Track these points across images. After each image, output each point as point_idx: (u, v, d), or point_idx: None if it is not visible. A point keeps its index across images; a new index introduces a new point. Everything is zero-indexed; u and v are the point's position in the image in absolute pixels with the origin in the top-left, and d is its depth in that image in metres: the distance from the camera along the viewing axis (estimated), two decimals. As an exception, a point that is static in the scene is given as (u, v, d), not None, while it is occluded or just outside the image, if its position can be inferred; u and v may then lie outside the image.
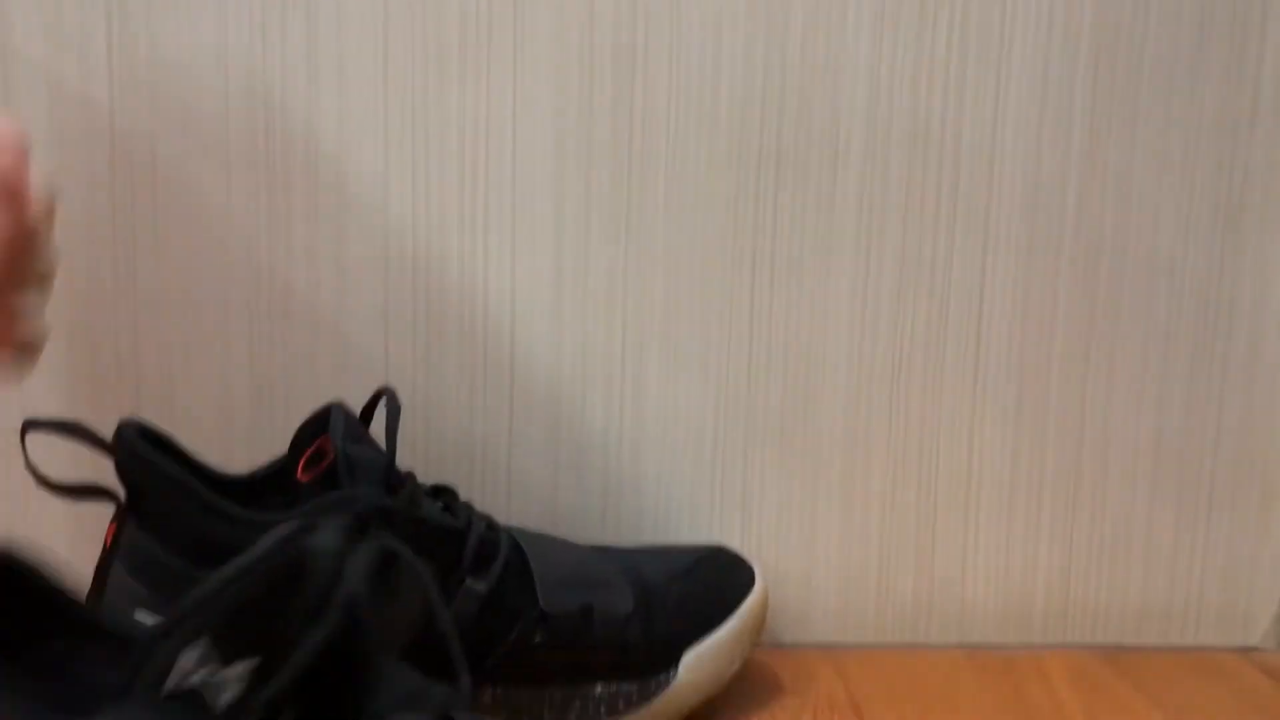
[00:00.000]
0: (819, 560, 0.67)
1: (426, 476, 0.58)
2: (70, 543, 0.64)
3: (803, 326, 0.66)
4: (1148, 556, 0.68)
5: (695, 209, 0.65)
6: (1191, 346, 0.67)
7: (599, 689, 0.54)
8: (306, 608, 0.29)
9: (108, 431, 0.50)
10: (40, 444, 0.49)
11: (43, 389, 0.63)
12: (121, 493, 0.50)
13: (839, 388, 0.66)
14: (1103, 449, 0.68)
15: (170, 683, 0.29)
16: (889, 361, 0.66)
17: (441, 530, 0.52)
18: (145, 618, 0.47)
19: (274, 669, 0.29)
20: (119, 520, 0.50)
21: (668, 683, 0.55)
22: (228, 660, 0.29)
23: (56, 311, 0.62)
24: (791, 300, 0.66)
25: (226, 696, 0.29)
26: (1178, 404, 0.67)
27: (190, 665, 0.28)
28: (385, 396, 0.54)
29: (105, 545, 0.51)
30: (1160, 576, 0.69)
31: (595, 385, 0.65)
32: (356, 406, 0.56)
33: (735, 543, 0.66)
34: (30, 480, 0.49)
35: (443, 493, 0.56)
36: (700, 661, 0.55)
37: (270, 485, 0.54)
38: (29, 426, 0.48)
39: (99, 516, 0.59)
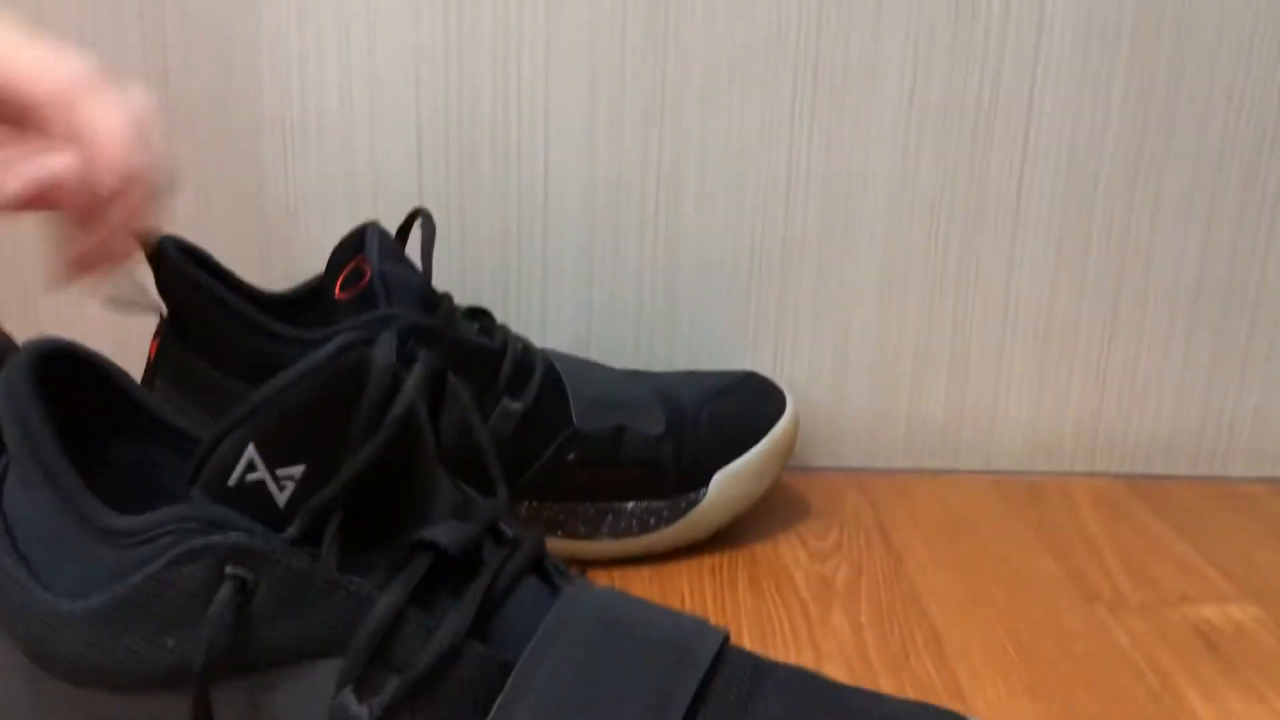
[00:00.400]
0: (850, 387, 0.68)
1: (462, 301, 0.58)
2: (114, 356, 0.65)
3: (842, 156, 0.64)
4: (1181, 390, 0.68)
5: (734, 33, 0.63)
6: (1241, 179, 0.65)
7: (630, 506, 0.55)
8: (364, 417, 0.30)
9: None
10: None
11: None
12: (164, 308, 0.51)
13: (878, 218, 0.65)
14: (1143, 282, 0.67)
15: (233, 478, 0.30)
16: (930, 192, 0.65)
17: (478, 350, 0.53)
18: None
19: (329, 473, 0.30)
20: (161, 335, 0.51)
21: (697, 501, 0.56)
22: (285, 461, 0.30)
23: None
24: (832, 129, 0.64)
25: (284, 495, 0.30)
26: (1224, 239, 0.66)
27: (252, 463, 0.30)
28: (421, 218, 0.54)
29: (149, 359, 0.52)
30: (1192, 409, 0.69)
31: (630, 212, 0.65)
32: (393, 227, 0.56)
33: (768, 370, 0.67)
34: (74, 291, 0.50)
35: (479, 314, 0.57)
36: (729, 482, 0.57)
37: (306, 304, 0.55)
38: None
39: (142, 332, 0.60)
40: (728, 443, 0.57)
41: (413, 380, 0.32)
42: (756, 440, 0.57)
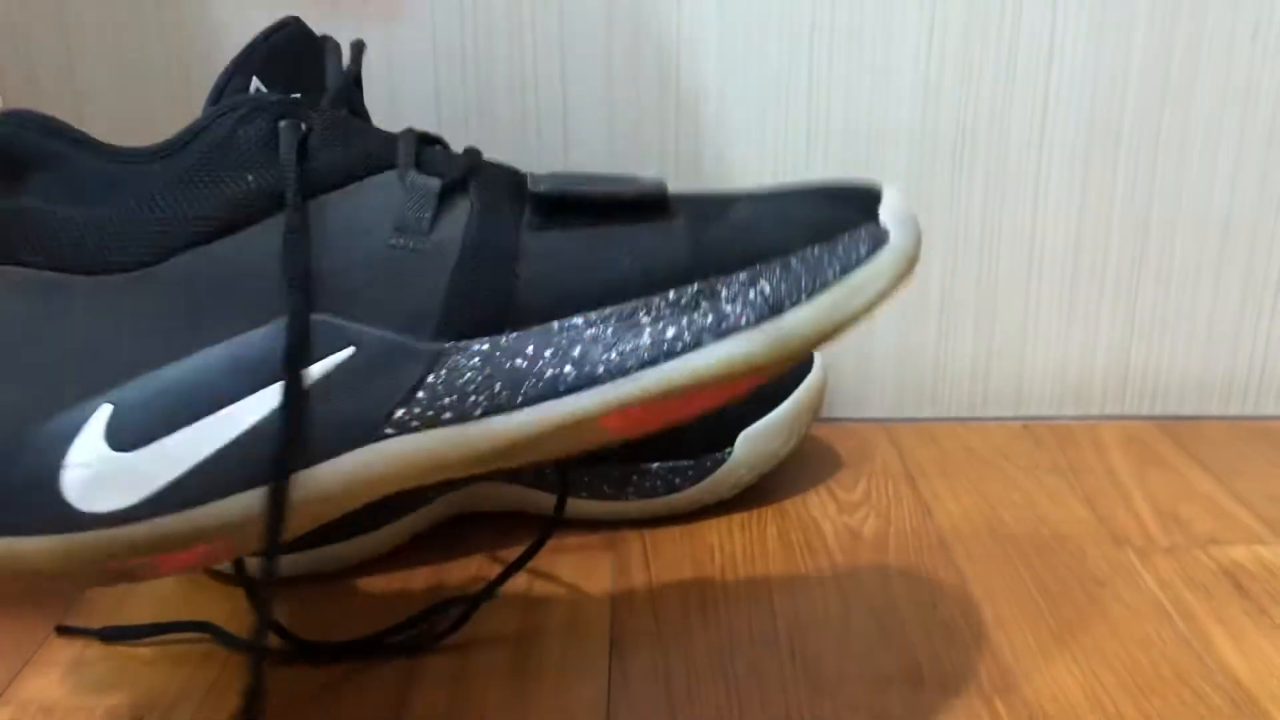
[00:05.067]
0: (876, 338, 0.68)
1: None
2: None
3: (862, 101, 0.64)
4: (1211, 330, 0.68)
5: (750, -20, 0.62)
6: (1270, 117, 0.64)
7: (655, 466, 0.56)
8: (326, 58, 0.39)
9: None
10: None
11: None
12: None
13: (900, 164, 0.65)
14: (1170, 221, 0.66)
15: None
16: (951, 137, 0.65)
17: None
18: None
19: (314, 92, 0.38)
20: None
21: (723, 461, 0.56)
22: (282, 90, 0.37)
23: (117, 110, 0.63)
24: (851, 73, 0.64)
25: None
26: (1252, 176, 0.65)
27: (260, 90, 0.37)
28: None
29: None
30: (1223, 349, 0.68)
31: (649, 164, 0.65)
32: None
33: (793, 322, 0.67)
34: None
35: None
36: (755, 441, 0.57)
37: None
38: None
39: None
40: (753, 401, 0.57)
41: (352, 47, 0.40)
42: (783, 399, 0.58)
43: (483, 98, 0.63)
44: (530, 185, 0.37)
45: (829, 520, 0.57)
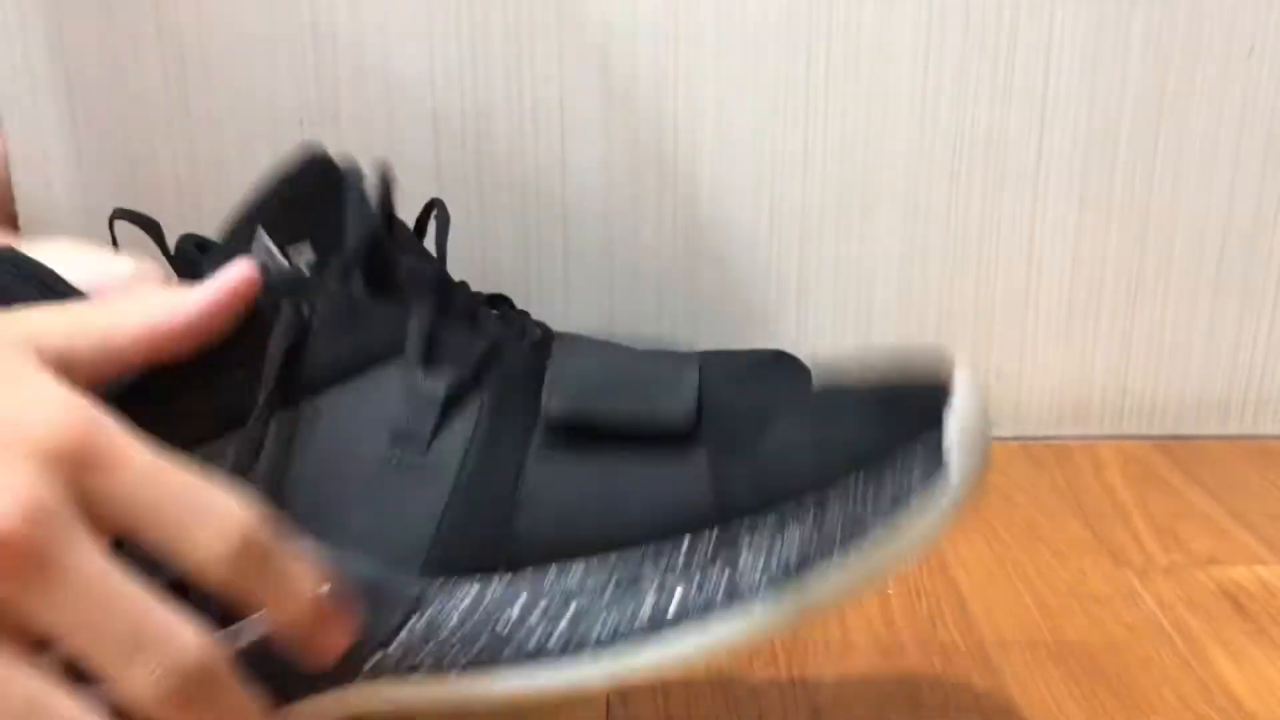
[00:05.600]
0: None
1: (484, 287, 0.59)
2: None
3: (860, 123, 0.64)
4: (1208, 349, 0.68)
5: (747, 3, 0.62)
6: (1266, 135, 0.64)
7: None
8: (353, 195, 0.36)
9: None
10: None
11: (104, 208, 0.64)
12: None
13: (896, 186, 0.65)
14: (1167, 240, 0.66)
15: (257, 259, 0.34)
16: (948, 157, 0.65)
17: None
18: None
19: (330, 249, 0.34)
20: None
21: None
22: (290, 241, 0.35)
23: (115, 138, 0.63)
24: (848, 95, 0.64)
25: (301, 261, 0.34)
26: (1249, 194, 0.65)
27: (268, 248, 0.34)
28: (436, 209, 0.55)
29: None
30: (1220, 368, 0.68)
31: (648, 190, 0.65)
32: (409, 215, 0.57)
33: (789, 341, 0.67)
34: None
35: (499, 301, 0.57)
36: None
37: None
38: (117, 215, 0.50)
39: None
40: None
41: (380, 174, 0.38)
42: (778, 417, 0.57)
43: (480, 105, 0.64)
44: (545, 399, 0.33)
45: (827, 540, 0.57)
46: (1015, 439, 0.69)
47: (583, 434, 0.33)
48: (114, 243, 0.51)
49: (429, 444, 0.32)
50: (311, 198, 0.34)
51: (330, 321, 0.33)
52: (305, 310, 0.32)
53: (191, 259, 0.51)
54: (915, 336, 0.67)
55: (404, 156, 0.64)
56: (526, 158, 0.64)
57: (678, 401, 0.33)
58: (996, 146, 0.65)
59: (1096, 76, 0.63)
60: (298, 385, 0.32)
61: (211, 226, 0.65)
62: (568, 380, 0.34)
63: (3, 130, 0.63)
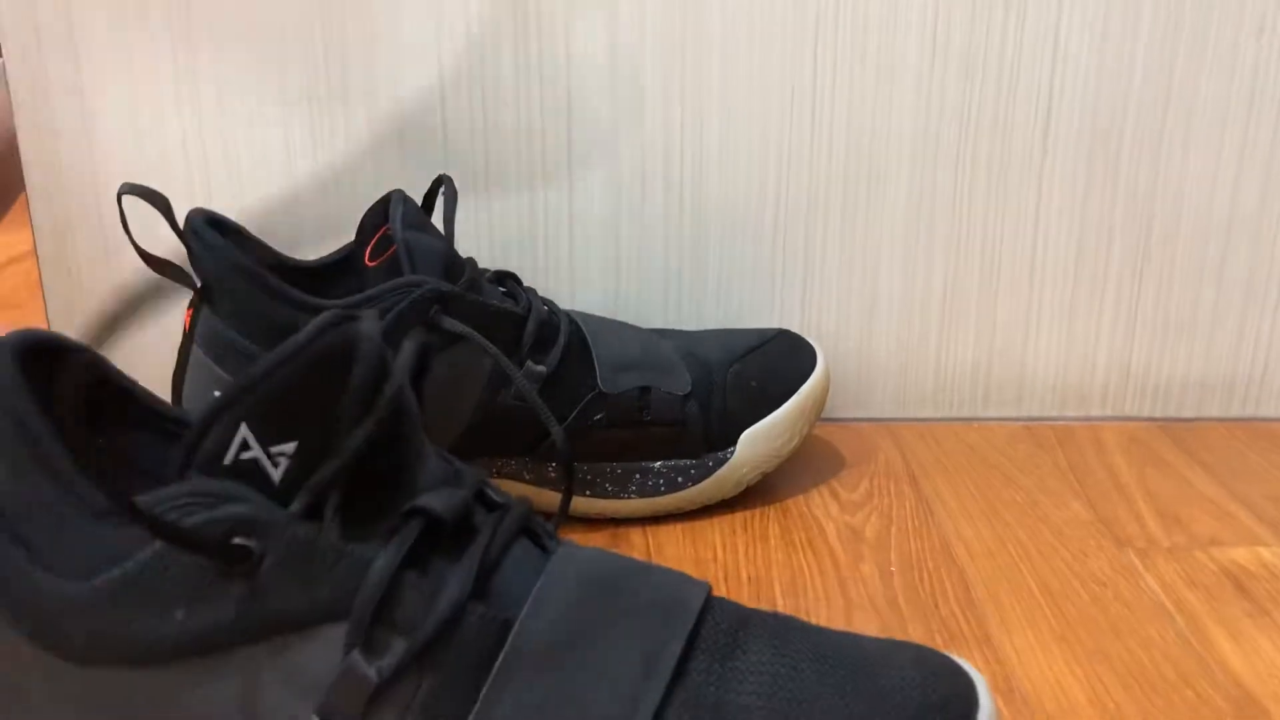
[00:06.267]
0: (879, 338, 0.68)
1: (491, 263, 0.59)
2: (154, 326, 0.67)
3: (866, 103, 0.64)
4: (1213, 331, 0.68)
5: (755, -21, 0.62)
6: (1275, 116, 0.64)
7: (658, 465, 0.56)
8: (355, 395, 0.31)
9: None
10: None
11: (112, 179, 0.64)
12: (197, 280, 0.52)
13: (903, 167, 0.65)
14: (1173, 221, 0.66)
15: (228, 457, 0.31)
16: (954, 138, 0.65)
17: (502, 314, 0.53)
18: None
19: (321, 448, 0.31)
20: (195, 305, 0.52)
21: (725, 460, 0.57)
22: (278, 439, 0.31)
23: (119, 110, 0.63)
24: (855, 75, 0.64)
25: (279, 471, 0.31)
26: (1256, 175, 0.65)
27: (245, 442, 0.30)
28: (444, 185, 0.55)
29: (185, 328, 0.53)
30: (1224, 351, 0.68)
31: (655, 171, 0.65)
32: (419, 192, 0.57)
33: (795, 323, 0.67)
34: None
35: (506, 278, 0.57)
36: (758, 441, 0.57)
37: (339, 271, 0.56)
38: (125, 190, 0.50)
39: (181, 302, 0.62)
40: (755, 402, 0.57)
41: (402, 360, 0.33)
42: (785, 399, 0.58)
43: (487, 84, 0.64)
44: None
45: (831, 519, 0.57)
46: (1018, 420, 0.69)
47: None
48: (122, 218, 0.51)
49: None
50: (315, 389, 0.31)
51: (283, 566, 0.31)
52: (257, 551, 0.30)
53: (200, 234, 0.51)
54: (919, 317, 0.67)
55: (409, 132, 0.64)
56: (534, 129, 0.64)
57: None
58: (1003, 128, 0.64)
59: (1105, 56, 0.63)
60: (240, 628, 0.31)
61: (220, 202, 0.65)
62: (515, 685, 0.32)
63: (10, 94, 0.63)
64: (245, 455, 0.31)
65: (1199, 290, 0.67)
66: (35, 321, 0.67)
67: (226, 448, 0.31)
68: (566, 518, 0.43)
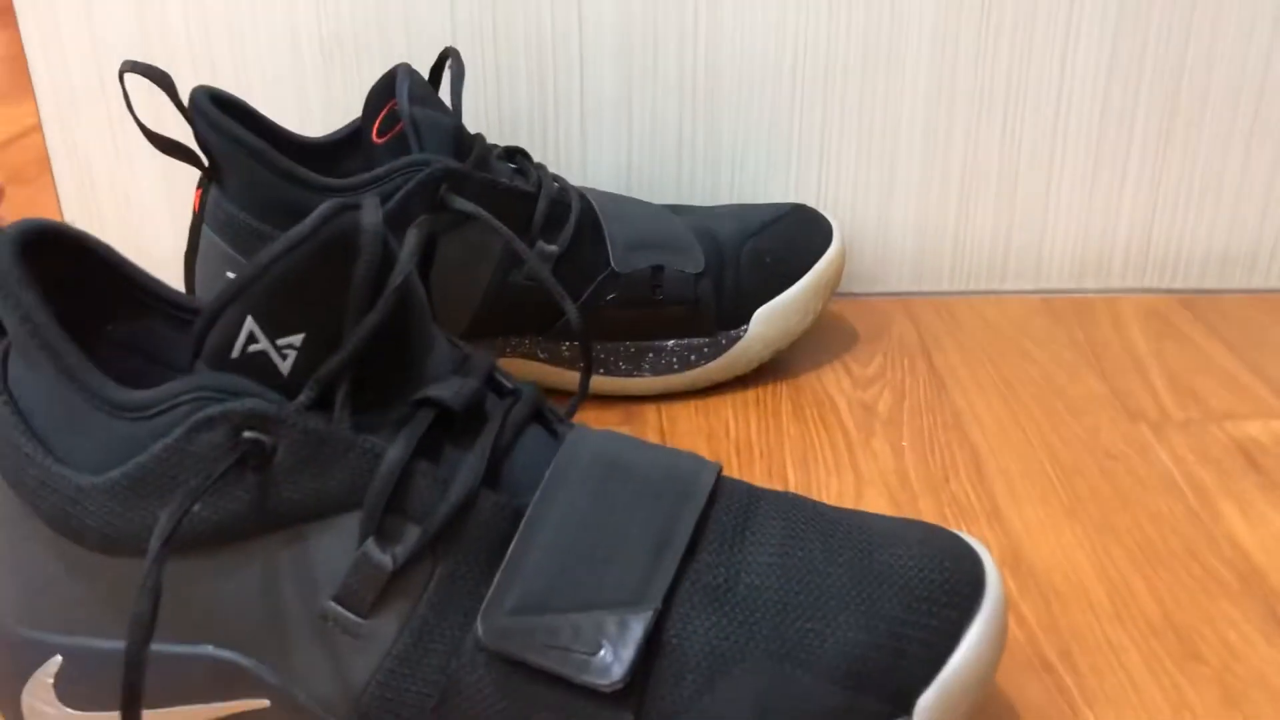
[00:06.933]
0: (896, 211, 0.67)
1: (500, 139, 0.58)
2: (163, 207, 0.66)
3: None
4: (1238, 200, 0.67)
5: None
6: (1311, -25, 0.62)
7: (671, 343, 0.56)
8: (360, 285, 0.31)
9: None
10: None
11: (114, 55, 0.63)
12: (204, 159, 0.52)
13: (924, 32, 0.63)
14: (1203, 84, 0.64)
15: (235, 350, 0.31)
16: (978, 2, 0.63)
17: (512, 192, 0.53)
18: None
19: (329, 339, 0.31)
20: (204, 185, 0.52)
21: (738, 338, 0.56)
22: (285, 331, 0.31)
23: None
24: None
25: (287, 364, 0.31)
26: (1289, 39, 0.63)
27: (252, 334, 0.31)
28: (450, 58, 0.53)
29: (194, 209, 0.53)
30: (1249, 221, 0.67)
31: (668, 41, 0.63)
32: (424, 68, 0.55)
33: (812, 196, 0.66)
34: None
35: (515, 154, 0.56)
36: (771, 318, 0.57)
37: (347, 148, 0.55)
38: (126, 69, 0.49)
39: (189, 183, 0.61)
40: (769, 280, 0.57)
41: (407, 250, 0.32)
42: (800, 275, 0.57)
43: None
44: (482, 617, 0.32)
45: (843, 395, 0.58)
46: (1036, 292, 0.69)
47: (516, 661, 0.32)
48: (125, 97, 0.50)
49: (368, 614, 0.32)
50: (320, 279, 0.31)
51: (294, 457, 0.31)
52: (268, 444, 0.31)
53: (205, 112, 0.50)
54: (938, 186, 0.66)
55: (418, 6, 0.62)
56: (544, 15, 0.63)
57: (616, 665, 0.32)
58: (1028, -10, 0.62)
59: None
60: (255, 519, 0.32)
61: (225, 79, 0.64)
62: (505, 604, 0.32)
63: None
64: (253, 348, 0.31)
65: (1225, 159, 0.66)
66: (46, 198, 0.67)
67: (233, 341, 0.31)
68: (586, 397, 0.43)
